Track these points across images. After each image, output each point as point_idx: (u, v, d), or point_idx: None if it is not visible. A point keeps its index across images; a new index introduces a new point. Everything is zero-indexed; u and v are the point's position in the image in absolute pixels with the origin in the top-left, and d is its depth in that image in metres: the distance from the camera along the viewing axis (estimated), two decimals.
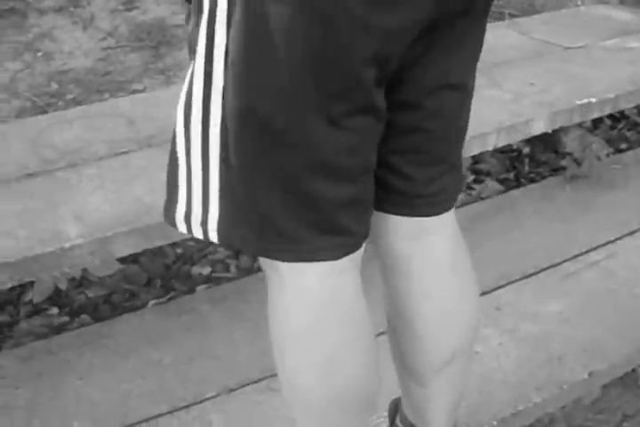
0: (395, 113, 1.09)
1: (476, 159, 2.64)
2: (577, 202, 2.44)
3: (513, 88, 2.42)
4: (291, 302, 1.17)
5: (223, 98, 0.99)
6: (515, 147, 2.75)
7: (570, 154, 2.56)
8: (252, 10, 0.92)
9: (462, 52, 1.11)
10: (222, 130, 1.01)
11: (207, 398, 1.72)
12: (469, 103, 1.20)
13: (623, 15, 3.09)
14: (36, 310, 2.00)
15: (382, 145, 1.11)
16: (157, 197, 1.82)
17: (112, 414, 1.69)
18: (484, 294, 2.05)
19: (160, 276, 2.13)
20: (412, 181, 1.17)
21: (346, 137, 1.01)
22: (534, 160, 2.71)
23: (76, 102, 2.74)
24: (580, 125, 2.64)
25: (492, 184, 2.56)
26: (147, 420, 1.67)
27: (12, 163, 1.97)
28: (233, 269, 2.18)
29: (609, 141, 2.76)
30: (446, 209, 1.25)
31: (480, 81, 2.44)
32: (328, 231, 1.08)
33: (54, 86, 2.84)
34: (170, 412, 1.69)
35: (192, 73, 1.01)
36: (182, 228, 1.11)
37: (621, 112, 2.90)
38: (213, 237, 1.10)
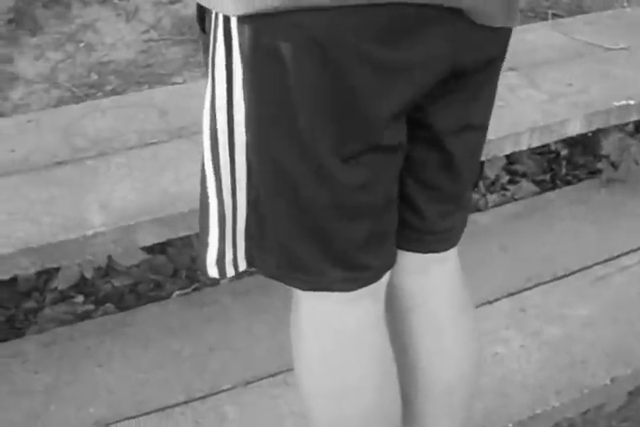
0: (416, 149, 1.09)
1: (512, 160, 2.61)
2: (611, 206, 2.40)
3: (550, 88, 2.38)
4: (304, 326, 1.17)
5: (247, 140, 1.00)
6: (553, 148, 2.71)
7: (607, 157, 2.52)
8: (262, 53, 0.92)
9: (484, 93, 1.11)
10: (248, 164, 1.02)
11: (223, 390, 1.73)
12: (484, 142, 1.20)
13: None
14: (62, 298, 2.02)
15: (401, 179, 1.11)
16: (184, 187, 1.83)
17: (128, 401, 1.70)
18: (510, 295, 2.03)
19: (186, 267, 2.13)
20: (426, 217, 1.16)
21: (359, 174, 1.00)
22: (572, 162, 2.67)
23: (115, 93, 2.75)
24: (621, 129, 2.60)
25: (526, 185, 2.53)
26: (162, 409, 1.68)
27: (43, 151, 1.99)
28: None
29: None
30: (453, 245, 1.25)
31: (518, 81, 2.45)
32: (343, 266, 1.07)
33: (94, 77, 2.86)
34: (185, 402, 1.70)
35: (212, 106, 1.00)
36: (213, 272, 1.11)
37: None
38: (243, 265, 1.11)
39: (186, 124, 2.11)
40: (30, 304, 2.00)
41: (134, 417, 1.65)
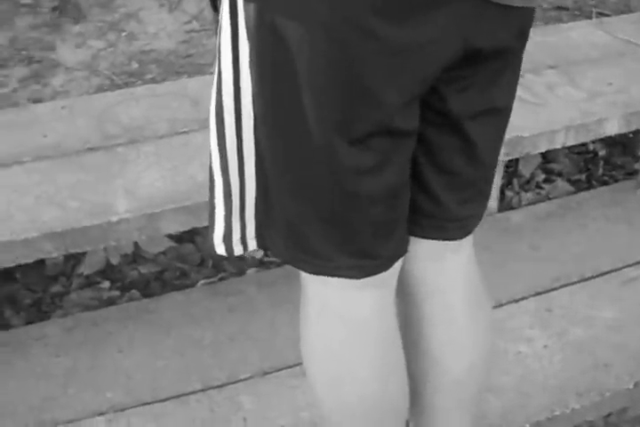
0: (433, 133, 1.06)
1: (549, 159, 2.58)
2: None
3: (589, 87, 2.35)
4: (309, 309, 1.16)
5: (254, 119, 0.99)
6: (591, 148, 2.67)
7: None
8: (264, 32, 0.91)
9: (504, 77, 1.07)
10: (256, 142, 1.02)
11: (240, 380, 1.73)
12: (505, 129, 1.16)
13: None
14: (89, 283, 2.04)
15: (416, 164, 1.08)
16: None
17: (145, 387, 1.71)
18: (537, 294, 2.01)
19: (213, 257, 2.14)
20: (443, 203, 1.13)
21: (367, 158, 0.98)
22: (610, 163, 2.63)
23: (154, 82, 2.77)
24: None
25: (562, 184, 2.50)
26: (178, 396, 1.69)
27: (75, 137, 2.01)
28: None
29: None
30: (469, 232, 1.22)
31: (557, 79, 2.41)
32: (351, 252, 1.06)
33: (134, 66, 2.88)
34: (202, 390, 1.71)
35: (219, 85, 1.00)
36: (221, 250, 1.11)
37: None
38: (252, 244, 1.10)
39: None
40: (57, 289, 2.02)
41: (150, 403, 1.66)
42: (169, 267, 2.10)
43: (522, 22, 1.01)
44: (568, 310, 1.95)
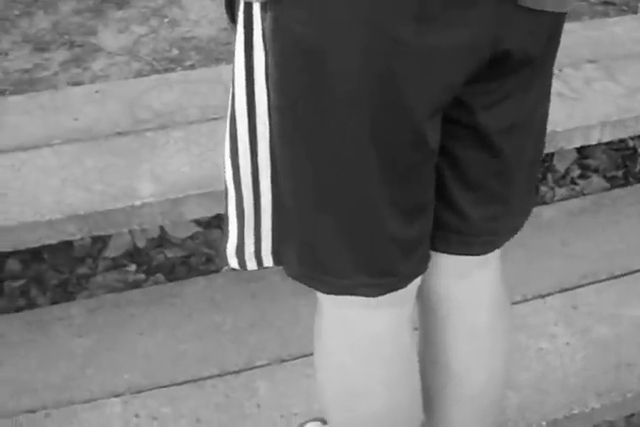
0: (461, 149, 1.03)
1: (585, 154, 2.54)
2: None
3: (628, 83, 2.31)
4: (324, 324, 1.14)
5: (270, 129, 0.96)
6: (630, 145, 2.63)
7: None
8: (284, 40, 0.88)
9: (534, 88, 1.03)
10: (271, 155, 0.98)
11: (257, 366, 1.74)
12: (541, 142, 1.12)
13: None
14: (115, 266, 2.06)
15: (442, 179, 1.05)
16: None
17: (163, 370, 1.73)
18: (563, 290, 1.98)
19: None
20: (467, 218, 1.10)
21: (393, 172, 0.95)
22: None
23: (193, 69, 2.78)
24: None
25: (597, 180, 2.46)
26: (194, 380, 1.70)
27: (106, 121, 2.02)
28: None
29: None
30: (497, 247, 1.18)
31: (596, 73, 2.37)
32: (370, 271, 1.03)
33: (175, 52, 2.89)
34: (219, 375, 1.71)
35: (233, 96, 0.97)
36: (234, 263, 1.08)
37: None
38: (268, 261, 1.07)
39: None
40: (83, 270, 2.04)
41: (166, 386, 1.67)
42: (195, 252, 2.11)
43: (551, 27, 0.97)
44: (594, 307, 1.93)
